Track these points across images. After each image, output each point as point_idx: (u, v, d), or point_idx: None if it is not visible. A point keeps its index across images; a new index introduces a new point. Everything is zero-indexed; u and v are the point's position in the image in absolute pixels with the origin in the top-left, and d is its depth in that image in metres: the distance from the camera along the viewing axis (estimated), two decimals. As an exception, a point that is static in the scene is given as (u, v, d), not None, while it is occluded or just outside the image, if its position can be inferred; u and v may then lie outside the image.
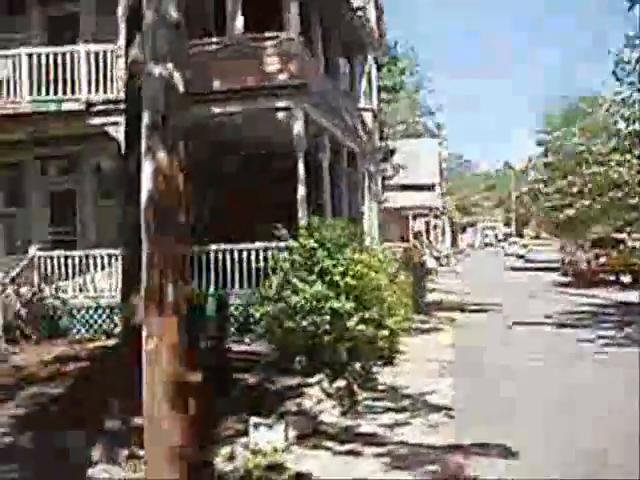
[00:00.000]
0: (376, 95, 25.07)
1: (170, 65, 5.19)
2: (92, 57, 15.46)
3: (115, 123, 14.63)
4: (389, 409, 9.54)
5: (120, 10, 15.12)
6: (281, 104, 14.73)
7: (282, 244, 11.86)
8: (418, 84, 64.80)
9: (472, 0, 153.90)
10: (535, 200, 50.35)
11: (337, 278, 10.43)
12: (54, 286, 14.89)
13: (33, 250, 15.44)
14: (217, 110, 15.18)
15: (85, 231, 17.02)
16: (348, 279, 10.51)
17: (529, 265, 51.14)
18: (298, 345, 10.44)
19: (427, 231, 51.65)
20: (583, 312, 20.52)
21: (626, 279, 31.65)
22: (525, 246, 62.23)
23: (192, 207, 6.42)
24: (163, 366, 4.89)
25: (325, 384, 9.67)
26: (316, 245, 10.64)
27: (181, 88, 5.30)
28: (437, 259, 43.93)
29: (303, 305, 10.24)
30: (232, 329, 13.60)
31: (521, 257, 59.75)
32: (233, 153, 17.34)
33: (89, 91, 15.52)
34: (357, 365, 11.04)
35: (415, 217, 50.75)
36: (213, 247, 14.22)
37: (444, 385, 10.98)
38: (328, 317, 10.21)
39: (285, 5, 15.34)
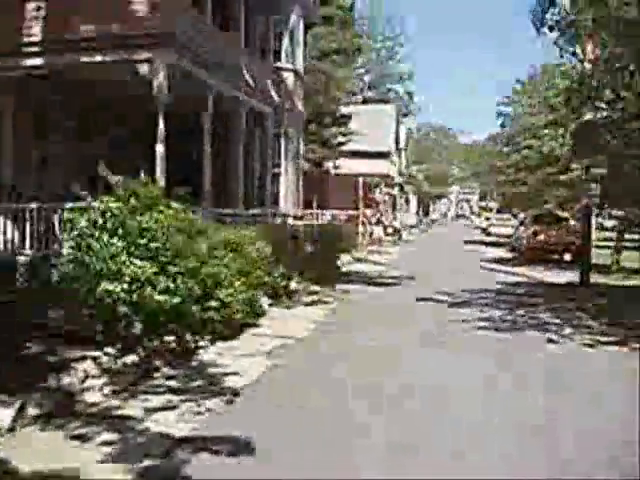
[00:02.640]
0: (302, 55, 23.99)
1: None
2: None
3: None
4: (172, 390, 8.72)
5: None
6: (143, 56, 13.76)
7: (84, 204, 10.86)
8: (391, 51, 63.75)
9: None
10: (496, 174, 49.62)
11: (141, 242, 9.58)
12: None
13: None
14: (83, 59, 14.23)
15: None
16: (154, 244, 9.66)
17: (488, 239, 50.53)
18: (97, 313, 9.64)
19: (384, 201, 50.60)
20: (492, 290, 19.86)
21: (567, 257, 30.97)
22: (488, 219, 61.70)
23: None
24: None
25: (104, 359, 8.87)
26: (119, 207, 9.76)
27: None
28: (384, 229, 43.09)
29: (98, 269, 9.41)
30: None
31: (484, 230, 59.23)
32: (97, 107, 16.39)
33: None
34: (170, 338, 10.26)
35: (376, 185, 49.74)
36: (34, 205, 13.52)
37: (261, 366, 10.12)
38: (126, 285, 9.40)
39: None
